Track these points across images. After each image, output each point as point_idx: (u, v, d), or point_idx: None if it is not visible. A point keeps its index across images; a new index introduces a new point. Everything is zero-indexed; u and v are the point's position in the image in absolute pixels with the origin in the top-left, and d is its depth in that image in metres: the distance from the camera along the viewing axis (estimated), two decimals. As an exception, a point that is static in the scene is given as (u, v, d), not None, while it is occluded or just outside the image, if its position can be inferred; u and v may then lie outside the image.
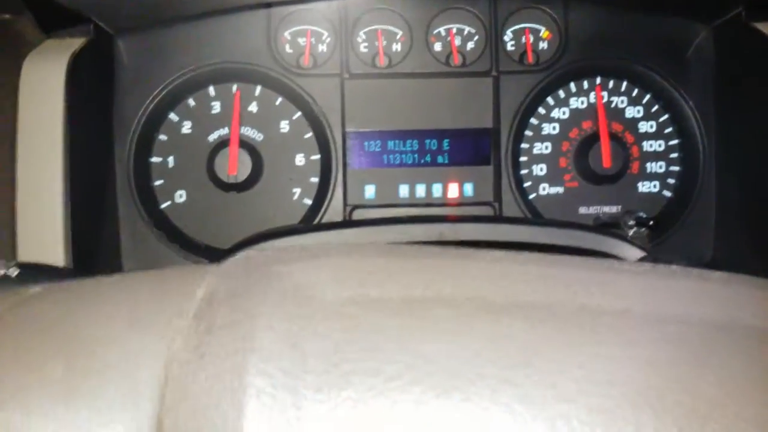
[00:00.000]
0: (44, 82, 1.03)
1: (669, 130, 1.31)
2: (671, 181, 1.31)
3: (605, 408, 0.34)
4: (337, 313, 0.39)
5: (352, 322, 0.38)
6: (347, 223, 1.23)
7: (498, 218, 1.20)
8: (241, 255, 0.47)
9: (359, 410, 0.34)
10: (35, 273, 0.69)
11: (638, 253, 0.91)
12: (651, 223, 1.13)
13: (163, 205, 1.26)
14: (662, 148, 1.31)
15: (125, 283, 0.48)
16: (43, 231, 0.99)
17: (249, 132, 1.27)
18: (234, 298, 0.40)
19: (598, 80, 1.30)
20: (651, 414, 0.34)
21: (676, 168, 1.31)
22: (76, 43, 1.10)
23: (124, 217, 1.24)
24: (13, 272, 0.67)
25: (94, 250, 1.14)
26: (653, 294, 0.45)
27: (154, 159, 1.26)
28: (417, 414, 0.34)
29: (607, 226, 1.20)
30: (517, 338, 0.38)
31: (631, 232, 1.15)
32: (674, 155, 1.31)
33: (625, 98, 1.30)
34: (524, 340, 0.38)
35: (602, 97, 1.29)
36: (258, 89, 1.28)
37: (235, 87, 1.27)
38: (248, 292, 0.41)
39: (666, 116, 1.31)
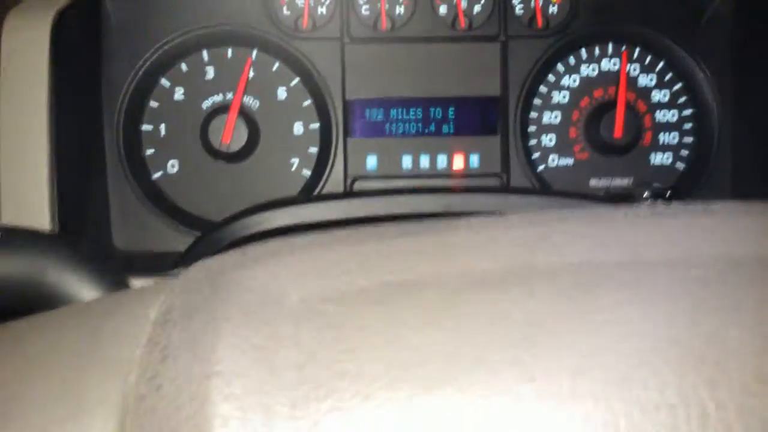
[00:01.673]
0: (28, 40, 0.96)
1: (683, 99, 1.26)
2: (685, 152, 1.26)
3: (623, 376, 0.30)
4: (305, 315, 0.34)
5: (323, 322, 0.33)
6: (348, 194, 1.17)
7: (510, 189, 1.15)
8: (197, 265, 0.42)
9: (344, 420, 0.29)
10: (20, 236, 0.64)
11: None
12: (667, 195, 1.08)
13: (155, 176, 1.20)
14: (675, 118, 1.25)
15: (71, 315, 0.43)
16: (28, 193, 0.93)
17: (245, 99, 1.20)
18: (189, 315, 0.35)
19: (623, 48, 1.24)
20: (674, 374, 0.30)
21: (689, 139, 1.26)
22: (62, 0, 1.03)
23: (113, 188, 1.18)
24: (-4, 236, 0.61)
25: (81, 217, 1.08)
26: (660, 238, 0.40)
27: (145, 127, 1.20)
28: (411, 414, 0.29)
29: (621, 198, 1.15)
30: (516, 313, 0.33)
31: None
32: (688, 126, 1.26)
33: (637, 65, 1.25)
34: (525, 314, 0.33)
35: (626, 65, 1.24)
36: (254, 53, 1.21)
37: (233, 52, 1.21)
38: (204, 305, 0.36)
39: (680, 85, 1.25)
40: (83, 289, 0.61)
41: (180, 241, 1.16)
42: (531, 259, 0.38)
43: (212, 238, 0.91)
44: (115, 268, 0.67)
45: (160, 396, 0.31)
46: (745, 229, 0.40)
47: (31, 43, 0.96)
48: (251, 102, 1.21)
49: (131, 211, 1.19)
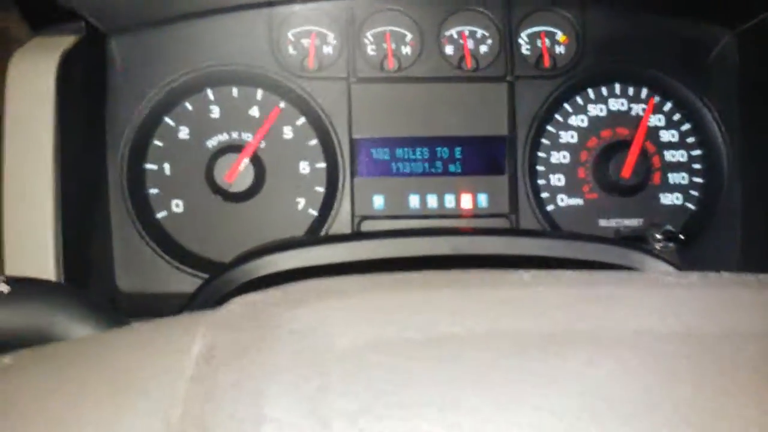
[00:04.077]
0: (33, 82, 0.95)
1: (692, 139, 1.25)
2: (694, 193, 1.25)
3: None
4: (356, 365, 0.33)
5: (375, 373, 0.32)
6: (355, 235, 1.16)
7: (519, 231, 1.14)
8: (240, 300, 0.41)
9: None
10: (27, 288, 0.62)
11: (672, 271, 0.85)
12: (681, 237, 1.06)
13: (159, 215, 1.19)
14: (685, 158, 1.25)
15: (107, 346, 0.41)
16: (33, 242, 0.91)
17: (249, 138, 1.19)
18: (236, 355, 0.34)
19: (644, 92, 1.24)
20: None
21: (699, 180, 1.25)
22: (67, 41, 1.02)
23: (117, 228, 1.16)
24: (4, 288, 0.59)
25: (86, 261, 1.06)
26: (698, 310, 0.40)
27: (149, 166, 1.19)
28: None
29: (632, 240, 1.14)
30: (567, 376, 0.32)
31: (658, 246, 1.09)
32: (697, 166, 1.25)
33: (645, 106, 1.25)
34: (580, 381, 0.32)
35: (651, 110, 1.24)
36: (259, 93, 1.20)
37: (239, 91, 1.20)
38: (252, 346, 0.35)
39: (688, 125, 1.25)
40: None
41: (185, 282, 1.14)
42: (579, 325, 0.37)
43: (221, 280, 0.89)
44: (120, 318, 0.65)
45: None
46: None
47: (37, 85, 0.95)
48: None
49: (135, 252, 1.16)
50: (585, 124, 1.24)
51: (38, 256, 0.91)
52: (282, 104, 1.21)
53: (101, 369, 0.38)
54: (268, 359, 0.33)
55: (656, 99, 1.24)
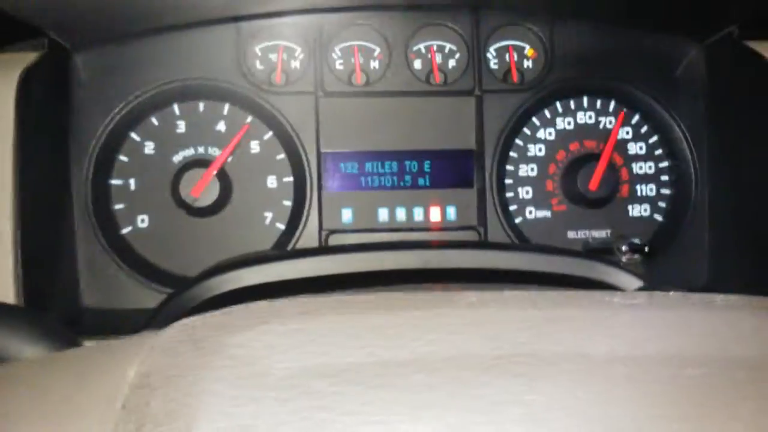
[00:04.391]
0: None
1: (659, 152, 1.25)
2: (662, 204, 1.25)
3: None
4: (292, 392, 0.32)
5: (310, 403, 0.31)
6: (323, 249, 1.15)
7: (489, 244, 1.13)
8: (178, 325, 0.40)
9: None
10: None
11: (636, 282, 0.85)
12: (646, 249, 1.06)
13: (124, 231, 1.18)
14: (652, 170, 1.25)
15: (46, 369, 0.41)
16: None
17: (216, 153, 1.18)
18: (169, 382, 0.33)
19: (612, 105, 1.25)
20: None
21: (667, 191, 1.25)
22: (29, 57, 1.01)
23: (81, 244, 1.15)
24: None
25: (48, 284, 1.05)
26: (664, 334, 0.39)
27: (114, 181, 1.18)
28: None
29: (600, 252, 1.14)
30: (506, 400, 0.32)
31: (624, 258, 1.09)
32: (665, 178, 1.25)
33: (612, 119, 1.25)
34: (516, 402, 0.32)
35: (620, 123, 1.24)
36: (226, 107, 1.20)
37: (205, 106, 1.19)
38: (186, 372, 0.34)
39: (656, 137, 1.25)
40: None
41: (151, 297, 1.13)
42: (519, 348, 0.36)
43: (184, 296, 0.88)
44: (73, 338, 0.65)
45: None
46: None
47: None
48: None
49: (100, 268, 1.15)
50: (553, 137, 1.24)
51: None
52: (249, 119, 1.20)
53: (38, 393, 0.37)
54: (204, 387, 0.32)
55: (625, 111, 1.25)
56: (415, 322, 0.39)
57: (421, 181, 1.22)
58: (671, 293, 0.45)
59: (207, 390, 0.32)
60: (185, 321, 0.41)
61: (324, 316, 0.41)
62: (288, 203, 1.21)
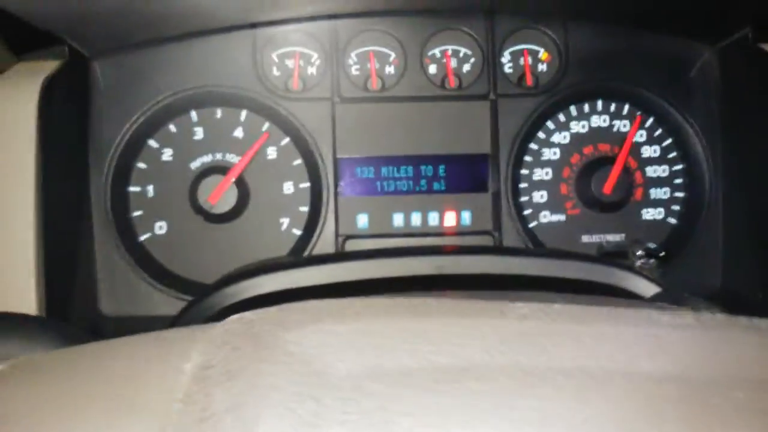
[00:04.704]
0: (15, 108, 0.95)
1: (673, 154, 1.26)
2: (676, 207, 1.25)
3: None
4: (352, 393, 0.33)
5: (370, 404, 0.32)
6: (340, 255, 1.16)
7: (504, 249, 1.14)
8: (236, 318, 0.40)
9: None
10: (5, 323, 0.62)
11: (653, 288, 0.85)
12: (662, 254, 1.07)
13: (142, 238, 1.19)
14: (666, 173, 1.26)
15: (103, 357, 0.41)
16: (13, 270, 0.91)
17: (234, 159, 1.19)
18: (231, 377, 0.34)
19: (626, 108, 1.25)
20: None
21: (681, 194, 1.26)
22: (50, 66, 1.02)
23: (100, 251, 1.16)
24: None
25: (69, 288, 1.06)
26: (707, 357, 0.39)
27: (133, 188, 1.19)
28: None
29: (614, 256, 1.14)
30: (557, 412, 0.33)
31: (639, 263, 1.09)
32: (679, 181, 1.26)
33: (627, 122, 1.25)
34: (567, 414, 0.32)
35: (637, 126, 1.25)
36: (243, 114, 1.21)
37: (223, 113, 1.20)
38: (249, 367, 0.34)
39: (670, 140, 1.26)
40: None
41: (169, 304, 1.14)
42: (570, 362, 0.37)
43: (204, 303, 0.89)
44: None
45: None
46: None
47: (19, 111, 0.95)
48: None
49: (118, 275, 1.16)
50: (567, 140, 1.25)
51: (19, 283, 0.91)
52: (266, 125, 1.21)
53: (95, 383, 0.37)
54: (264, 381, 0.33)
55: (638, 114, 1.25)
56: (470, 331, 0.40)
57: (436, 186, 1.23)
58: (718, 315, 0.45)
59: (270, 384, 0.33)
60: (241, 316, 0.41)
61: (377, 318, 0.41)
62: (304, 209, 1.22)
